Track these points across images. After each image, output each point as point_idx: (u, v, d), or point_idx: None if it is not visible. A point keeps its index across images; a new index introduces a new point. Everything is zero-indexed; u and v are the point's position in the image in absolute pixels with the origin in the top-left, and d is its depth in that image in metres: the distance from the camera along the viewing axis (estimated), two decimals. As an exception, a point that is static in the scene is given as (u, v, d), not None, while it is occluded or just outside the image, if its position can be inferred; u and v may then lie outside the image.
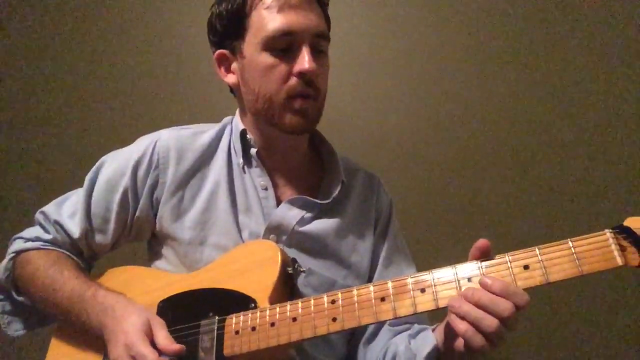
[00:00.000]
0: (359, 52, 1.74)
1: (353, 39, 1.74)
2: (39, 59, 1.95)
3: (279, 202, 0.94)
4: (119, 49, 1.91)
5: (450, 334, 0.73)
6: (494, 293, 0.64)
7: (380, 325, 0.95)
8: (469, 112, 1.69)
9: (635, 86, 1.60)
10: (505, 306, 0.63)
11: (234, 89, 0.98)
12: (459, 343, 0.70)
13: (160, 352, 0.75)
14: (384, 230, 1.02)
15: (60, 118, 1.91)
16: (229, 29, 0.90)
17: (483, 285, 0.65)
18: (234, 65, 0.93)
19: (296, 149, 0.98)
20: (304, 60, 0.84)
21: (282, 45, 0.85)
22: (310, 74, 0.85)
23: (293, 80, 0.86)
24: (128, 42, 1.91)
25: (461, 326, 0.65)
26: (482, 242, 0.69)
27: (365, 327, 0.95)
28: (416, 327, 0.92)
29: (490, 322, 0.63)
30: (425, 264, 0.80)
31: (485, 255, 0.69)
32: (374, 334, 0.95)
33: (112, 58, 1.91)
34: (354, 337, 0.98)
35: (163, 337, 0.77)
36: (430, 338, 0.81)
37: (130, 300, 0.85)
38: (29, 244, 0.95)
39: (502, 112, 1.67)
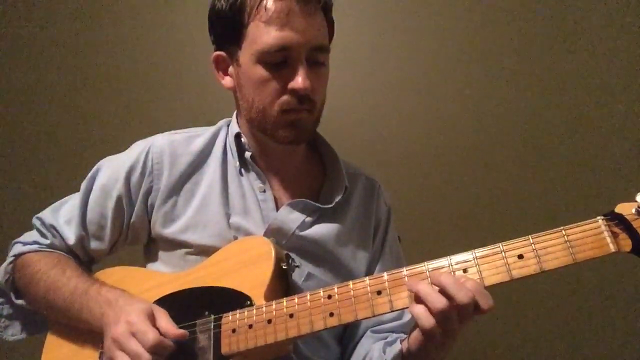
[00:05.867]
0: (359, 51, 1.73)
1: (353, 38, 1.72)
2: (35, 65, 1.92)
3: (277, 205, 0.93)
4: (117, 52, 1.88)
5: (418, 334, 0.72)
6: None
7: (364, 330, 0.94)
8: (468, 111, 1.69)
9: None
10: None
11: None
12: (421, 339, 0.71)
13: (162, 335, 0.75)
14: (382, 240, 1.01)
15: (59, 122, 1.89)
16: (227, 33, 0.88)
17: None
18: (231, 69, 0.91)
19: (292, 154, 0.97)
20: (299, 78, 0.82)
21: (277, 60, 0.83)
22: (304, 91, 0.83)
23: (287, 96, 0.84)
24: (126, 44, 1.88)
25: (417, 308, 0.66)
26: None
27: (355, 329, 0.95)
28: (394, 335, 0.91)
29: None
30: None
31: None
32: (360, 337, 0.95)
33: (111, 61, 1.88)
34: (345, 338, 0.97)
35: (166, 322, 0.77)
36: (398, 345, 0.81)
37: (134, 295, 0.86)
38: (28, 247, 0.95)
39: (501, 111, 1.68)
